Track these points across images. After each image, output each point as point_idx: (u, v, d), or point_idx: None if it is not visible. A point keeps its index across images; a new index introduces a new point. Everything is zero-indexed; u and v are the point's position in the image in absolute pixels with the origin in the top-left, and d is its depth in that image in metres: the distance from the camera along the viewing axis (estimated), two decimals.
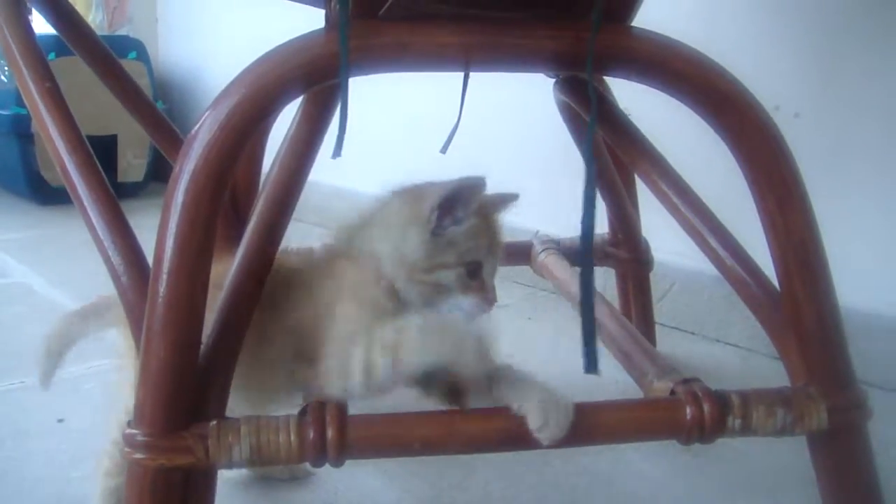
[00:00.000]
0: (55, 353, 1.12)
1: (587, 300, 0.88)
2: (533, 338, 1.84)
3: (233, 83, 0.82)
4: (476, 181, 0.87)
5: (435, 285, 0.88)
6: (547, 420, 0.82)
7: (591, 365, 0.88)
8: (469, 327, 0.85)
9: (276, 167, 0.92)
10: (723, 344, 1.85)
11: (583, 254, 0.88)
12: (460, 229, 0.88)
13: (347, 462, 0.85)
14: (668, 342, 1.80)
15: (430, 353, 0.81)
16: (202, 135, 0.80)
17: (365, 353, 0.82)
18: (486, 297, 0.89)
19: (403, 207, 0.90)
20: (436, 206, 0.87)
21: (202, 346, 0.83)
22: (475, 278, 0.89)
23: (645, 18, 0.93)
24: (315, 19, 0.88)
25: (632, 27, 0.88)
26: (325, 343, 0.85)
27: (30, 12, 1.19)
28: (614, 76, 0.92)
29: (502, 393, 0.85)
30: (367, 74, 0.85)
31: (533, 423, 0.82)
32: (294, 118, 0.93)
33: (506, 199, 0.96)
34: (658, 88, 0.89)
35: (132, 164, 3.40)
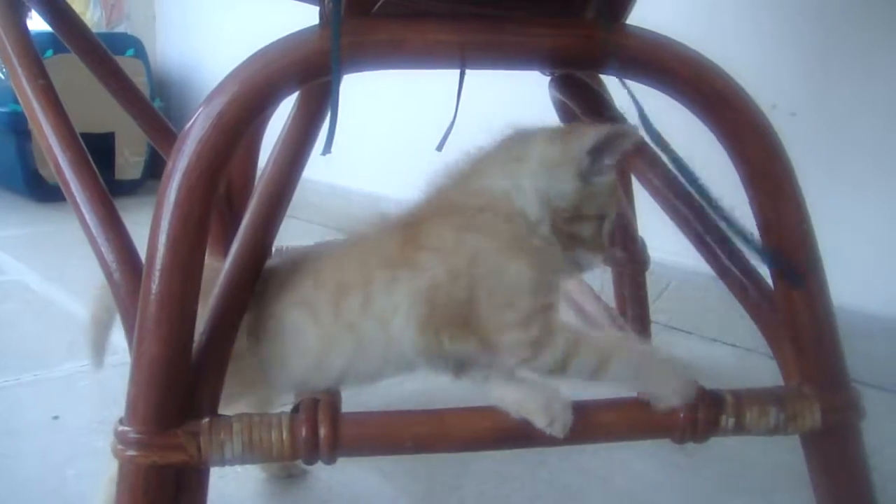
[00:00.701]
0: (103, 324, 1.09)
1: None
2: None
3: (226, 80, 0.81)
4: (629, 129, 0.84)
5: (570, 237, 0.85)
6: (551, 418, 0.82)
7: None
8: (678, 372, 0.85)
9: (270, 164, 0.92)
10: (720, 343, 1.85)
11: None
12: (605, 179, 0.84)
13: (342, 460, 0.85)
14: (664, 341, 1.80)
15: (629, 378, 0.83)
16: (195, 132, 0.80)
17: (570, 346, 0.80)
18: (602, 250, 0.87)
19: (551, 147, 0.85)
20: (590, 148, 0.82)
21: (195, 343, 0.83)
22: (601, 233, 0.86)
23: (640, 17, 0.93)
24: (313, 17, 0.88)
25: (625, 25, 0.88)
26: (500, 308, 0.80)
27: (29, 11, 1.19)
28: (609, 74, 0.91)
29: (495, 389, 0.85)
30: (360, 71, 0.84)
31: (538, 422, 0.82)
32: (289, 116, 0.92)
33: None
34: (652, 86, 0.89)
35: (129, 162, 3.40)
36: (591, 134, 0.83)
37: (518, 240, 0.83)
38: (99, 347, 1.10)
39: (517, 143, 0.88)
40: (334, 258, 0.90)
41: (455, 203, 0.86)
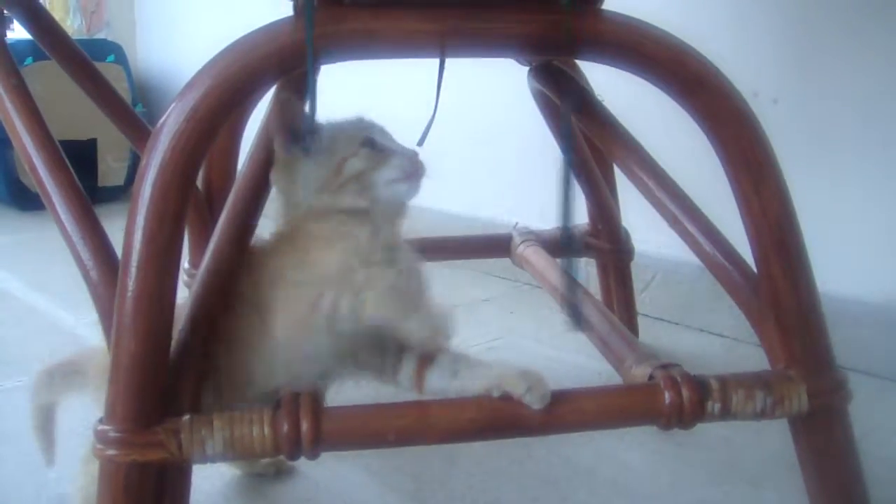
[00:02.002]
0: (44, 427, 1.10)
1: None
2: (515, 331, 1.83)
3: (199, 73, 0.81)
4: (283, 97, 0.87)
5: (355, 178, 0.88)
6: (531, 383, 0.83)
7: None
8: (425, 302, 0.86)
9: (248, 160, 0.91)
10: (707, 333, 1.85)
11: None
12: (323, 137, 0.89)
13: (328, 457, 0.84)
14: (651, 333, 1.79)
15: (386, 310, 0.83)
16: (169, 126, 0.79)
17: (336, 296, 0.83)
18: (406, 154, 0.90)
19: (279, 175, 0.90)
20: (282, 140, 0.87)
21: (173, 340, 0.82)
22: (378, 149, 0.89)
23: (619, 3, 0.92)
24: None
25: (602, 10, 0.87)
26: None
27: (11, 22, 1.18)
28: (585, 60, 0.91)
29: (467, 378, 0.85)
30: (336, 62, 0.84)
31: (517, 389, 0.82)
32: (266, 110, 0.92)
33: None
34: (630, 71, 0.88)
35: (112, 168, 3.38)
36: (271, 129, 0.88)
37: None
38: (48, 440, 1.10)
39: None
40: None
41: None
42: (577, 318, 0.89)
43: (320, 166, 0.88)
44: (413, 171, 0.89)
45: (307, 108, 0.86)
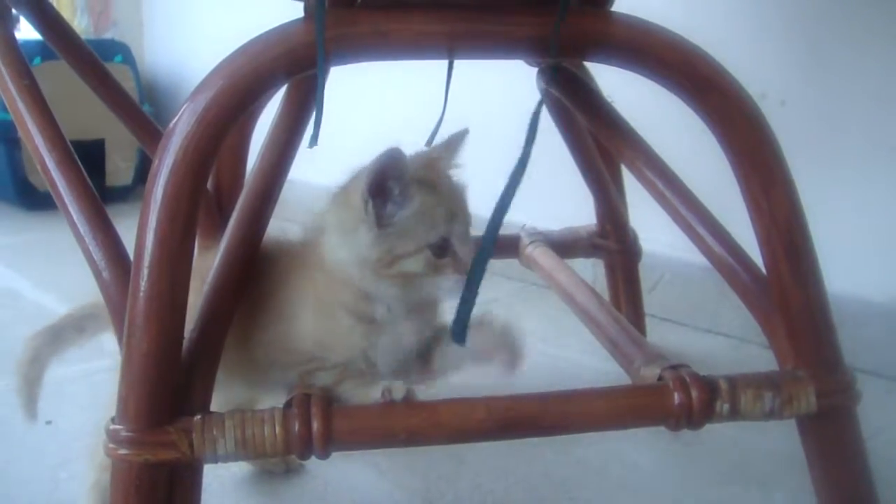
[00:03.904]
0: (32, 381, 1.11)
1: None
2: (523, 330, 1.82)
3: (210, 75, 0.81)
4: (391, 152, 0.82)
5: (405, 276, 0.85)
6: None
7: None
8: None
9: (258, 161, 0.92)
10: (714, 334, 1.85)
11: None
12: (406, 212, 0.84)
13: (337, 456, 0.84)
14: (659, 333, 1.79)
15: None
16: (180, 128, 0.79)
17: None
18: (459, 273, 0.85)
19: (341, 211, 0.87)
20: (366, 196, 0.82)
21: (185, 340, 0.82)
22: (445, 255, 0.85)
23: (628, 4, 0.92)
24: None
25: (612, 12, 0.87)
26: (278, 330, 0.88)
27: (17, 21, 1.18)
28: (594, 61, 0.91)
29: (446, 358, 0.88)
30: (346, 64, 0.84)
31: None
32: (276, 112, 0.92)
33: (453, 144, 0.93)
34: (639, 73, 0.89)
35: (120, 168, 3.38)
36: (360, 182, 0.83)
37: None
38: (30, 406, 1.12)
39: (328, 211, 0.90)
40: None
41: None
42: (462, 331, 0.87)
43: (380, 243, 0.84)
44: (457, 289, 0.86)
45: (315, 108, 0.86)
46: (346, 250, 0.86)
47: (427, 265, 0.85)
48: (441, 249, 0.85)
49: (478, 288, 0.85)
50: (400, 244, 0.84)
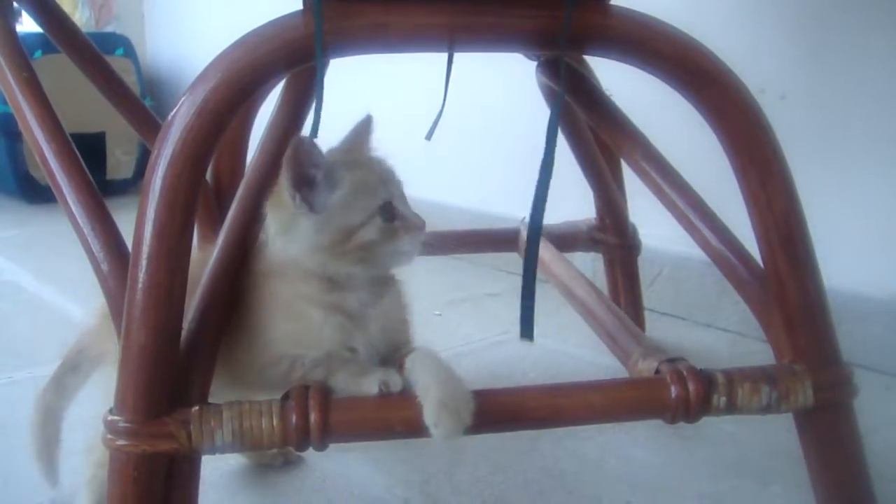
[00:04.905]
0: (50, 442, 1.11)
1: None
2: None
3: (209, 67, 0.81)
4: (295, 141, 0.83)
5: (362, 247, 0.86)
6: (440, 418, 0.80)
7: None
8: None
9: (257, 153, 0.92)
10: (713, 328, 1.85)
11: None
12: (341, 191, 0.86)
13: (335, 448, 0.85)
14: (658, 327, 1.80)
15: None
16: (179, 119, 0.79)
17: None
18: (416, 227, 0.87)
19: (277, 213, 0.87)
20: (291, 190, 0.84)
21: (183, 332, 0.83)
22: (394, 218, 0.87)
23: None
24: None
25: (611, 5, 0.87)
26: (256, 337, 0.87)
27: (19, 14, 1.18)
28: (593, 55, 0.91)
29: (412, 378, 0.85)
30: (344, 56, 0.84)
31: (427, 419, 0.81)
32: (275, 105, 0.92)
33: (360, 131, 0.94)
34: (638, 67, 0.89)
35: (121, 161, 3.38)
36: (281, 178, 0.84)
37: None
38: (51, 470, 1.11)
39: (267, 221, 0.90)
40: None
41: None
42: (529, 328, 0.88)
43: (326, 226, 0.85)
44: (418, 243, 0.88)
45: (314, 102, 0.86)
46: (296, 244, 0.86)
47: (381, 232, 0.86)
48: (388, 213, 0.86)
49: (534, 282, 0.88)
50: (348, 218, 0.85)
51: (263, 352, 0.87)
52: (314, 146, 0.84)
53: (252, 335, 0.88)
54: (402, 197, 0.89)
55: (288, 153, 0.83)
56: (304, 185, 0.84)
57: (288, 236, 0.87)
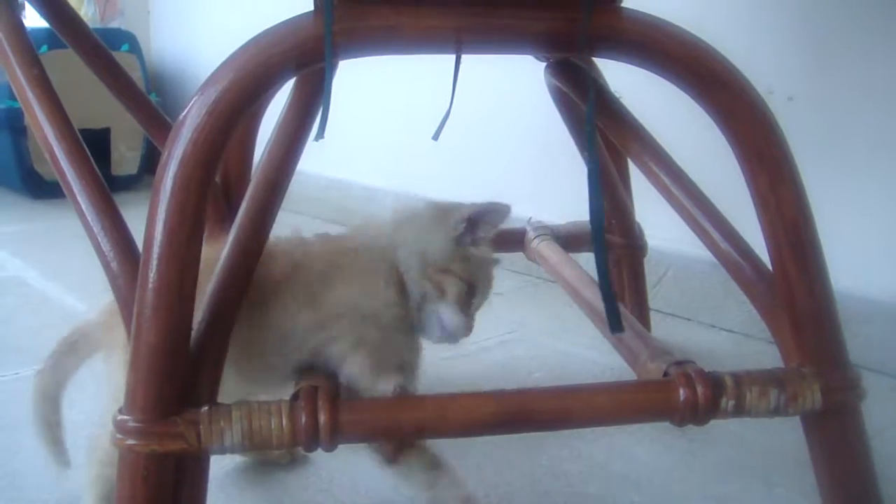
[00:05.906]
0: (52, 423, 1.12)
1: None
2: (528, 325, 1.83)
3: (220, 68, 0.81)
4: (503, 207, 0.94)
5: (439, 287, 0.93)
6: None
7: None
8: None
9: (266, 153, 0.92)
10: (718, 329, 1.85)
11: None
12: (477, 251, 0.95)
13: (342, 448, 0.85)
14: (663, 328, 1.80)
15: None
16: (190, 120, 0.79)
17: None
18: (469, 321, 0.95)
19: (435, 213, 0.96)
20: (465, 218, 0.94)
21: (193, 332, 0.83)
22: (471, 298, 0.95)
23: (637, 1, 0.92)
24: (310, 8, 0.88)
25: (621, 7, 0.87)
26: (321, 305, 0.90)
27: (23, 8, 1.18)
28: (603, 57, 0.91)
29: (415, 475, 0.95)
30: (354, 58, 0.84)
31: None
32: (284, 105, 0.92)
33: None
34: (648, 69, 0.89)
35: (126, 157, 3.39)
36: (468, 207, 0.95)
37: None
38: (57, 448, 1.12)
39: (417, 212, 1.00)
40: None
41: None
42: (617, 322, 0.91)
43: (446, 253, 0.94)
44: (457, 333, 0.95)
45: (322, 102, 0.86)
46: (416, 240, 0.95)
47: (458, 294, 0.94)
48: (469, 294, 0.95)
49: (608, 284, 0.92)
50: (457, 265, 0.94)
51: (313, 308, 0.90)
52: (506, 218, 0.96)
53: (312, 295, 0.91)
54: (481, 303, 0.98)
55: (490, 203, 0.95)
56: (472, 226, 0.95)
57: (422, 232, 0.96)
